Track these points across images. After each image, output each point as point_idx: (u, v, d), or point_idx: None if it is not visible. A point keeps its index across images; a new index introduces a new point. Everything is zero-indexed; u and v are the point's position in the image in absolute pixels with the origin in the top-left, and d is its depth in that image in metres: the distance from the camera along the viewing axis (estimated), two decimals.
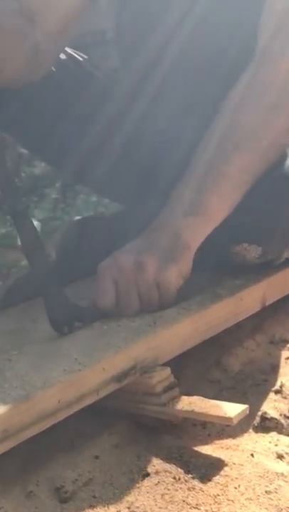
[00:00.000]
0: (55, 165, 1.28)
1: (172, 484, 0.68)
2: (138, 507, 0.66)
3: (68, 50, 1.13)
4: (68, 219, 1.98)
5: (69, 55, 1.13)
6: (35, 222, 2.73)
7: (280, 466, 0.71)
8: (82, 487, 0.68)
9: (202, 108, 0.98)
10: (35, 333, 0.86)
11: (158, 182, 0.99)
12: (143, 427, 0.77)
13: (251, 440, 0.76)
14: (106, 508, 0.65)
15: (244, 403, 0.75)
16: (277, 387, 0.86)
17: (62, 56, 1.12)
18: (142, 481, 0.69)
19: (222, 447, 0.75)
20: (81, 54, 1.16)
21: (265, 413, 0.79)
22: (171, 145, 1.02)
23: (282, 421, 0.79)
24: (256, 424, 0.79)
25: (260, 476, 0.69)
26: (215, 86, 0.95)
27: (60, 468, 0.70)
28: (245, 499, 0.66)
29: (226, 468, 0.70)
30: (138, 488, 0.68)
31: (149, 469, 0.71)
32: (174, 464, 0.71)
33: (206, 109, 0.94)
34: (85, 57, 1.17)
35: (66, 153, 1.08)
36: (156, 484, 0.68)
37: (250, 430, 0.78)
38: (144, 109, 1.05)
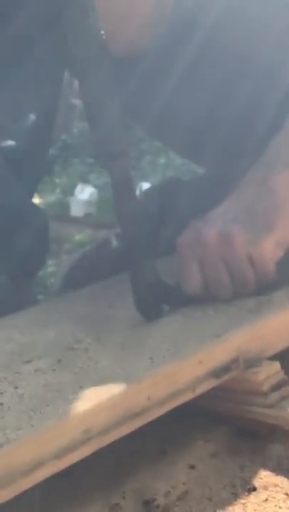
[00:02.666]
0: (132, 113, 1.30)
1: (284, 501, 0.69)
2: None
3: None
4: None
5: None
6: (91, 189, 2.77)
7: None
8: (177, 501, 0.70)
9: None
10: (114, 319, 0.89)
11: (250, 140, 1.00)
12: (246, 433, 0.79)
13: None
14: None
15: None
16: None
17: None
18: (247, 496, 0.71)
19: None
20: None
21: None
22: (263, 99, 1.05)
23: None
24: None
25: None
26: None
27: (149, 478, 0.72)
28: None
29: None
30: (243, 504, 0.69)
31: (256, 483, 0.72)
32: (286, 477, 0.72)
33: None
34: None
35: (150, 100, 1.11)
36: (264, 501, 0.70)
37: None
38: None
